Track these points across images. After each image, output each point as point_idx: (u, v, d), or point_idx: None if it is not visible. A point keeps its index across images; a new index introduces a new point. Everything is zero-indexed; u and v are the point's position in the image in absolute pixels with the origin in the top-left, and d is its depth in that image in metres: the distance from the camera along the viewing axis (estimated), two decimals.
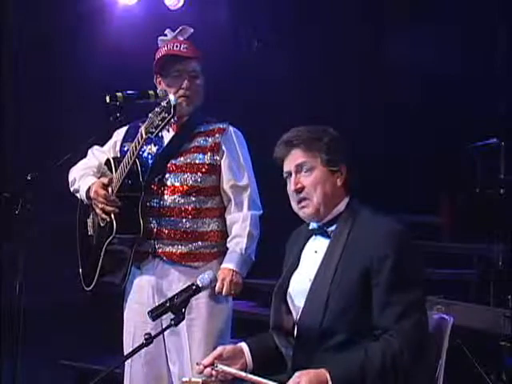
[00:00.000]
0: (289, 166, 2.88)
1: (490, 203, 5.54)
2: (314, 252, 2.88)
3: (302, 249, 2.93)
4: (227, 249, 3.56)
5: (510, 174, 5.55)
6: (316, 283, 2.78)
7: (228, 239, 3.56)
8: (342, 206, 2.86)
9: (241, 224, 3.53)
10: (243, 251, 3.50)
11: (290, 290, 2.89)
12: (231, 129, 3.65)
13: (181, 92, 3.57)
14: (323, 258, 2.80)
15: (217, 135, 3.59)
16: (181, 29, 3.69)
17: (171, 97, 3.31)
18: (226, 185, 3.58)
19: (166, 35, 3.71)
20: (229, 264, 3.49)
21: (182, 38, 3.67)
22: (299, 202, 2.86)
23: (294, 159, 2.86)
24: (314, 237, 2.91)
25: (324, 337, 2.71)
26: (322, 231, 2.87)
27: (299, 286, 2.86)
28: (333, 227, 2.84)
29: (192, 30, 3.70)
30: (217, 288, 3.45)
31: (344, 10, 6.39)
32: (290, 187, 2.88)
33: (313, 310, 2.75)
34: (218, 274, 3.47)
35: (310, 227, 2.92)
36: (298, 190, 2.85)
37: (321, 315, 2.71)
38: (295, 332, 2.84)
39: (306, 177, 2.85)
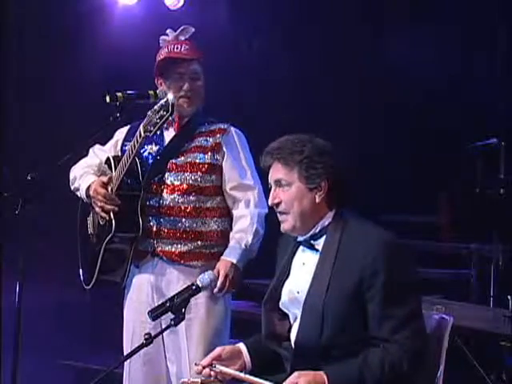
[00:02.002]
0: (270, 177, 2.87)
1: (490, 203, 5.54)
2: (302, 264, 2.86)
3: (292, 258, 2.91)
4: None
5: (510, 174, 5.56)
6: (309, 300, 2.75)
7: (232, 232, 3.53)
8: (327, 220, 2.82)
9: (248, 220, 3.50)
10: (248, 246, 3.47)
11: (283, 300, 2.88)
12: (232, 129, 3.64)
13: (182, 93, 3.57)
14: (314, 273, 2.77)
15: (218, 135, 3.59)
16: (182, 28, 3.68)
17: (170, 95, 3.31)
18: (228, 185, 3.56)
19: (167, 35, 3.71)
20: (230, 257, 3.46)
21: (183, 38, 3.67)
22: (279, 214, 2.86)
23: (274, 172, 2.84)
24: (302, 247, 2.88)
25: (323, 352, 2.70)
26: (308, 244, 2.84)
27: (289, 296, 2.85)
28: (320, 240, 2.81)
29: (193, 30, 3.68)
30: (219, 284, 3.39)
31: (344, 10, 6.38)
32: (269, 200, 2.88)
33: (309, 328, 2.73)
34: (218, 265, 3.43)
35: (298, 239, 2.89)
36: (275, 205, 2.84)
37: (318, 333, 2.69)
38: (292, 344, 2.81)
39: (283, 192, 2.82)
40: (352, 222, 2.80)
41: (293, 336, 2.82)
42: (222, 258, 3.48)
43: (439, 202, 6.48)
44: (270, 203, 2.87)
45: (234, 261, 3.45)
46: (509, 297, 4.77)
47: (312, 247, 2.83)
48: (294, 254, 2.91)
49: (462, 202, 6.12)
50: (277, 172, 2.83)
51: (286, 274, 2.90)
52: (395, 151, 6.28)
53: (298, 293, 2.81)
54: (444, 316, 2.89)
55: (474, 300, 5.48)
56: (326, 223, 2.81)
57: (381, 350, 2.64)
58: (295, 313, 2.83)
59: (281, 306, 2.88)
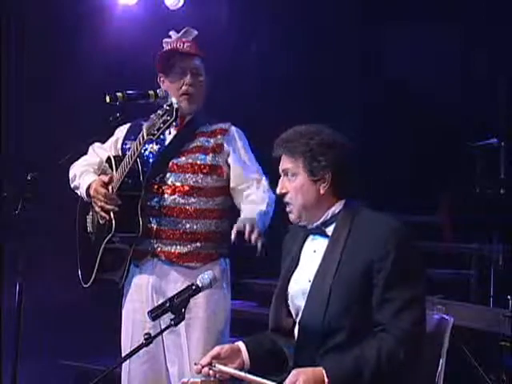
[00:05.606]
0: (280, 167, 2.91)
1: (490, 203, 5.54)
2: (313, 252, 2.88)
3: (301, 248, 2.92)
4: (227, 250, 3.56)
5: (510, 174, 5.56)
6: (317, 282, 2.78)
7: (244, 204, 3.46)
8: (337, 208, 2.85)
9: (261, 195, 3.45)
10: (263, 211, 3.37)
11: (290, 290, 2.88)
12: (233, 128, 3.64)
13: (184, 88, 3.56)
14: (323, 257, 2.80)
15: (219, 136, 3.59)
16: (185, 30, 3.67)
17: (173, 99, 3.31)
18: (236, 183, 3.54)
19: (170, 37, 3.70)
20: (251, 214, 3.33)
21: (186, 40, 3.66)
22: (286, 205, 2.90)
23: (282, 163, 2.89)
24: (312, 236, 2.90)
25: (326, 336, 2.71)
26: (319, 231, 2.87)
27: (299, 286, 2.86)
28: (331, 227, 2.84)
29: (196, 32, 3.68)
30: (246, 234, 3.21)
31: (344, 9, 6.39)
32: (277, 189, 2.92)
33: (314, 309, 2.75)
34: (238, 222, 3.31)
35: (308, 227, 2.92)
36: (282, 195, 2.89)
37: (322, 314, 2.71)
38: (295, 333, 2.83)
39: (290, 182, 2.87)
40: (363, 210, 2.84)
41: (296, 330, 2.82)
42: (242, 217, 3.35)
43: (439, 202, 6.48)
44: (277, 192, 2.91)
45: (254, 216, 3.31)
46: (509, 297, 4.77)
47: (323, 233, 2.85)
48: (303, 244, 2.92)
49: (462, 201, 6.11)
50: (284, 162, 2.88)
51: (295, 264, 2.91)
52: (395, 151, 6.28)
53: (310, 281, 2.82)
54: (444, 316, 2.90)
55: (473, 300, 5.47)
56: (337, 211, 2.85)
57: (378, 339, 2.65)
58: (300, 306, 2.83)
59: (289, 297, 2.88)
